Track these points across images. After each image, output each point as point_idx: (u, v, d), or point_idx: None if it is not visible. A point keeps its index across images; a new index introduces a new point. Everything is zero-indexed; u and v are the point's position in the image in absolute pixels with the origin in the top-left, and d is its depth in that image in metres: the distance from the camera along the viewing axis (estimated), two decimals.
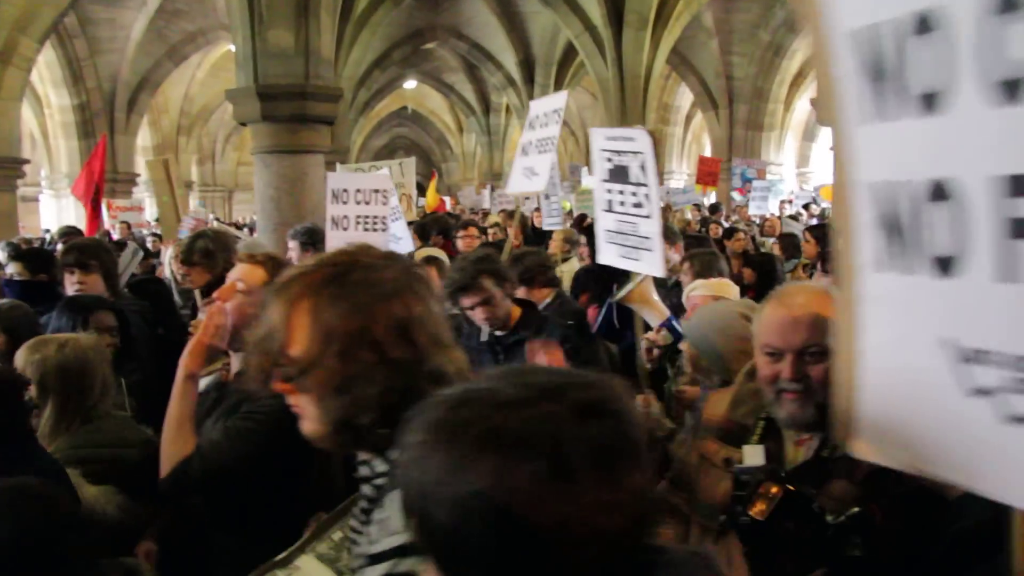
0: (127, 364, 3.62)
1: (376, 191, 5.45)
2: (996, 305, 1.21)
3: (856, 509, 1.75)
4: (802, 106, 23.18)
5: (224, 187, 33.03)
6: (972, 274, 1.24)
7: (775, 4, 20.28)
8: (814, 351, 1.90)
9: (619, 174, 3.61)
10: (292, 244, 5.90)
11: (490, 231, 9.91)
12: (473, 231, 7.66)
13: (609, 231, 3.74)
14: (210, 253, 4.68)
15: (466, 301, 3.73)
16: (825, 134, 16.75)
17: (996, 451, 1.24)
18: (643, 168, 3.47)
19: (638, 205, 3.53)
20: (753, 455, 2.05)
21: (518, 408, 0.93)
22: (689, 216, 15.64)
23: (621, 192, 3.61)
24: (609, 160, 3.65)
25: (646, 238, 3.52)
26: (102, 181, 9.91)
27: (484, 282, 3.64)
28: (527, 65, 23.04)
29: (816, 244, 6.31)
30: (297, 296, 1.44)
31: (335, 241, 5.73)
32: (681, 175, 27.69)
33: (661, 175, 26.53)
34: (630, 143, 3.53)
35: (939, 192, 1.27)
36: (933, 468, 1.39)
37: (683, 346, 3.11)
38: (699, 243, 6.67)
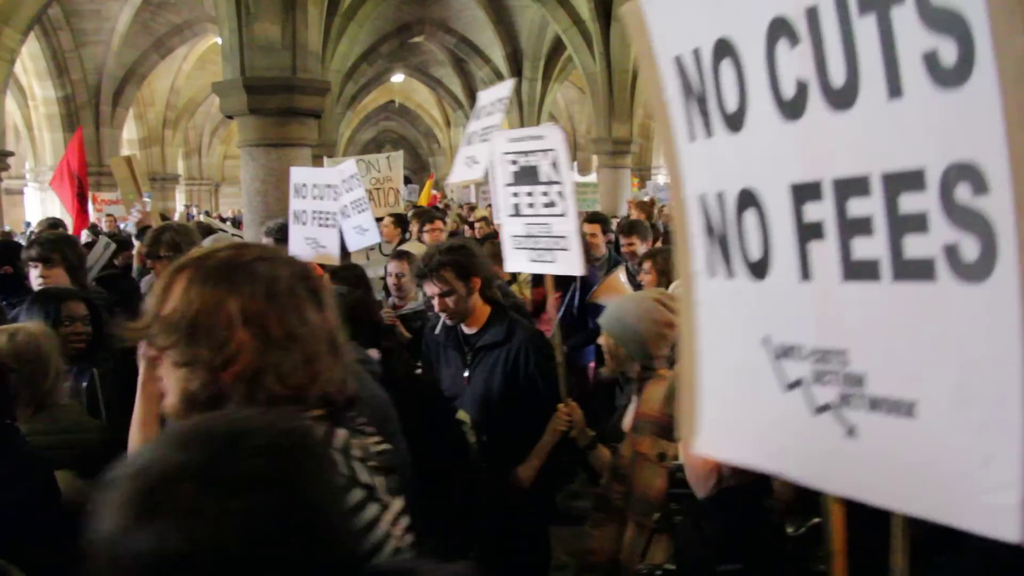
0: (100, 354, 3.60)
1: (328, 186, 5.46)
2: (797, 302, 1.33)
3: (817, 519, 1.70)
4: None
5: (211, 180, 32.87)
6: (777, 275, 1.37)
7: None
8: None
9: (526, 176, 3.52)
10: (267, 240, 5.89)
11: (477, 225, 9.90)
12: (439, 224, 7.64)
13: (516, 236, 3.63)
14: (177, 246, 4.66)
15: (427, 289, 3.73)
16: None
17: (808, 440, 1.34)
18: (555, 165, 3.40)
19: (550, 204, 3.44)
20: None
21: (175, 484, 0.94)
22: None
23: (529, 194, 3.52)
24: (514, 163, 3.56)
25: (561, 237, 3.44)
26: (85, 174, 9.83)
27: (445, 274, 3.60)
28: (515, 59, 22.99)
29: None
30: (185, 267, 1.55)
31: (296, 235, 5.78)
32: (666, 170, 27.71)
33: (648, 170, 26.48)
34: (539, 142, 3.45)
35: (748, 201, 1.40)
36: (762, 461, 1.48)
37: (601, 339, 3.07)
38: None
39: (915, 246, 1.13)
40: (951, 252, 1.08)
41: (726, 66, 1.38)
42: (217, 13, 8.77)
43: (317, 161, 9.39)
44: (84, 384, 3.52)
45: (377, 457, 1.66)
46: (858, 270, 1.22)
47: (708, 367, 1.55)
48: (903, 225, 1.14)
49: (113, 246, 7.32)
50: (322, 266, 5.49)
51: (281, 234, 5.85)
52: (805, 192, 1.28)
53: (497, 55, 23.36)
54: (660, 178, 24.54)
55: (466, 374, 3.74)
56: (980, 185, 1.04)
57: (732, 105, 1.39)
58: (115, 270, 6.99)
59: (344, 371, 1.60)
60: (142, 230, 6.32)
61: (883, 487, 1.23)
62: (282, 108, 8.18)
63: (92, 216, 12.68)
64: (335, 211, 5.42)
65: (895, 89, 1.12)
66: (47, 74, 19.15)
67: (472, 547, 3.49)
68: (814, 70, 1.23)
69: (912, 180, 1.12)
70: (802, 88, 1.25)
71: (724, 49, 1.38)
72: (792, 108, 1.28)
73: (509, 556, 3.53)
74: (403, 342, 4.54)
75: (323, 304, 1.59)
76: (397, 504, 1.68)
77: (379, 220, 7.46)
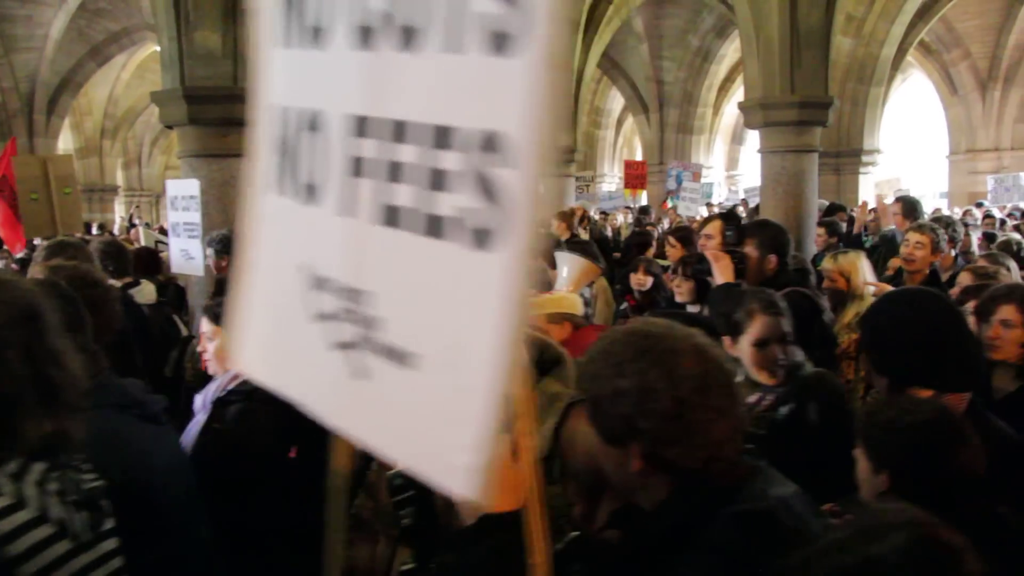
0: None
1: (192, 197, 5.55)
2: (337, 237, 1.31)
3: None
4: (730, 110, 23.63)
5: (151, 192, 32.25)
6: (325, 205, 1.34)
7: (703, 10, 20.63)
8: None
9: None
10: (208, 251, 5.85)
11: None
12: None
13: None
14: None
15: None
16: (753, 137, 17.09)
17: (323, 375, 1.34)
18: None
19: None
20: None
21: None
22: (620, 220, 15.79)
23: None
24: None
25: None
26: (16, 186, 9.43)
27: None
28: None
29: (681, 248, 6.15)
30: None
31: (173, 247, 5.80)
32: (613, 178, 27.98)
33: (593, 178, 26.69)
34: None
35: (313, 122, 1.36)
36: (289, 390, 1.47)
37: None
38: (579, 248, 6.45)
39: (441, 204, 1.15)
40: (471, 216, 1.11)
41: None
42: (156, 21, 8.64)
43: None
44: None
45: (85, 492, 1.63)
46: (388, 216, 1.22)
47: (257, 285, 1.52)
48: (435, 181, 1.15)
49: None
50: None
51: (222, 245, 5.79)
52: (359, 126, 1.26)
53: None
54: (603, 186, 24.72)
55: None
56: (508, 157, 1.06)
57: (312, 19, 1.35)
58: None
59: (50, 414, 1.59)
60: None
61: (377, 431, 1.27)
62: (223, 118, 8.06)
63: None
64: (199, 222, 5.48)
65: (455, 44, 1.12)
66: None
67: None
68: (390, 4, 1.21)
69: (450, 138, 1.13)
70: (377, 19, 1.23)
71: None
72: (364, 37, 1.25)
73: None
74: None
75: (34, 354, 1.61)
76: (108, 545, 1.64)
77: None
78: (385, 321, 1.23)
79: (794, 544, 1.41)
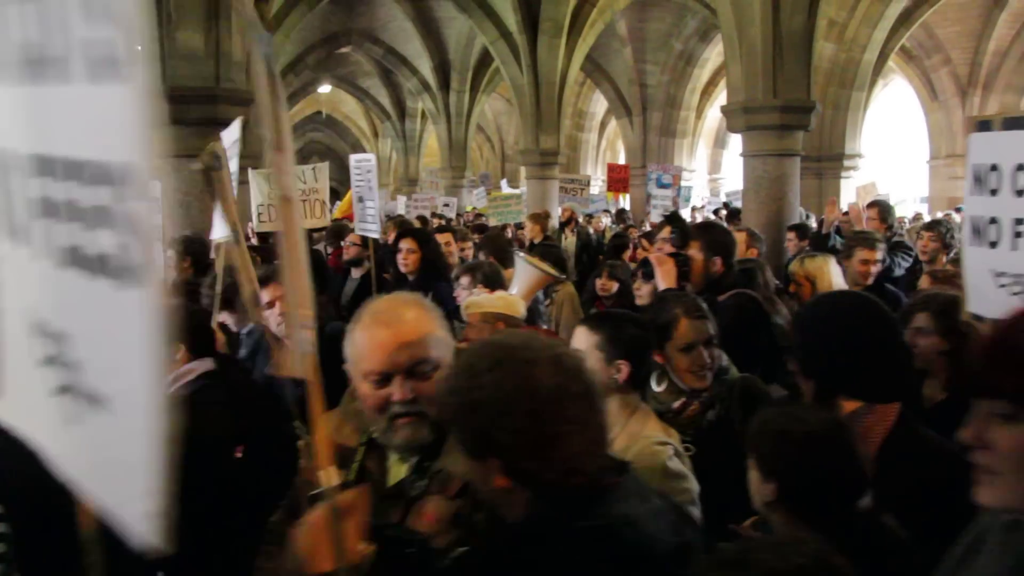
0: None
1: (154, 199, 5.58)
2: (36, 279, 1.30)
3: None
4: (713, 114, 23.72)
5: None
6: (23, 247, 1.32)
7: (687, 14, 20.71)
8: (423, 368, 1.84)
9: None
10: (169, 253, 5.88)
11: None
12: (357, 238, 7.54)
13: None
14: None
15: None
16: (735, 141, 17.18)
17: (47, 420, 1.34)
18: None
19: None
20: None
21: None
22: (605, 222, 15.81)
23: None
24: None
25: None
26: None
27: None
28: (443, 70, 22.98)
29: (650, 247, 6.27)
30: None
31: None
32: (596, 181, 28.06)
33: (589, 183, 26.98)
34: None
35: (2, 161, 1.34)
36: (30, 436, 1.44)
37: None
38: (547, 251, 6.46)
39: (96, 241, 1.15)
40: (118, 252, 1.12)
41: None
42: None
43: (242, 173, 9.22)
44: None
45: None
46: (65, 257, 1.23)
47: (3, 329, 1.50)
48: (89, 218, 1.16)
49: None
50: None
51: (182, 247, 5.83)
52: (30, 164, 1.26)
53: (425, 67, 23.32)
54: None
55: None
56: (136, 190, 1.07)
57: None
58: None
59: None
60: None
61: (86, 476, 1.26)
62: (205, 118, 8.03)
63: None
64: (160, 224, 5.54)
65: (74, 74, 1.12)
66: None
67: None
68: (24, 36, 1.21)
69: (88, 172, 1.13)
70: (16, 52, 1.22)
71: None
72: (15, 71, 1.24)
73: None
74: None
75: None
76: None
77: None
78: (83, 364, 1.23)
79: (632, 562, 1.41)
